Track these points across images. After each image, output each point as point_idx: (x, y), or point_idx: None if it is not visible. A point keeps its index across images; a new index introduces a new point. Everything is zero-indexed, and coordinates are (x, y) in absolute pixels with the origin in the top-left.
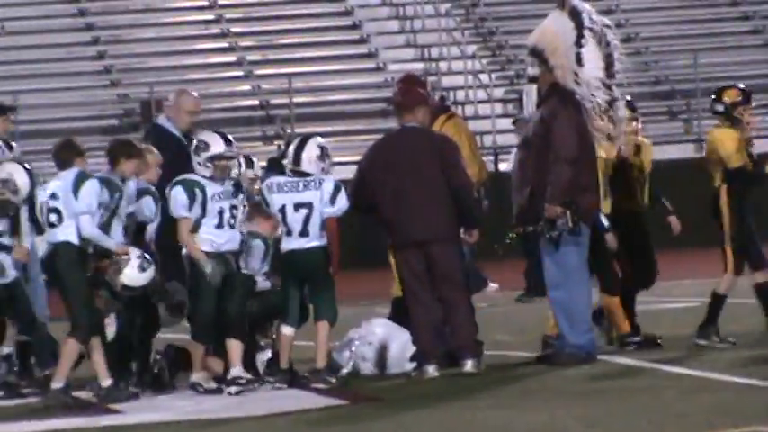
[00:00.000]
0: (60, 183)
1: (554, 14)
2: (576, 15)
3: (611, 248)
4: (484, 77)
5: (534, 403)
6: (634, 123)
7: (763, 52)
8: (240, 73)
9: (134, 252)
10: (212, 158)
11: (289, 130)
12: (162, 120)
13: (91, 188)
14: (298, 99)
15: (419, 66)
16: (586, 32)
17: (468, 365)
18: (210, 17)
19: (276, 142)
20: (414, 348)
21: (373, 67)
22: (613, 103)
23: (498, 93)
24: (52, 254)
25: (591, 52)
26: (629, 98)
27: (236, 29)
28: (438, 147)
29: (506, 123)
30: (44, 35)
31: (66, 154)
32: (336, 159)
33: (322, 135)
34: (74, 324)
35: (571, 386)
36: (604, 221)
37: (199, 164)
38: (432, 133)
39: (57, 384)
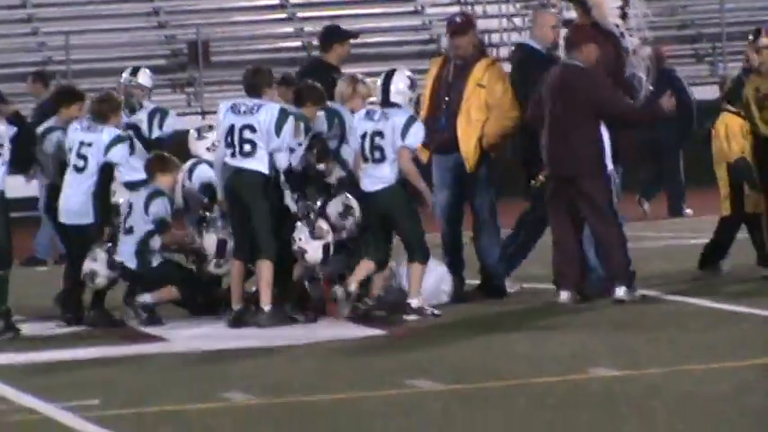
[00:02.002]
0: (261, 116)
1: None
2: None
3: None
4: (517, 21)
5: (565, 333)
6: None
7: None
8: (284, 15)
9: None
10: None
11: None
12: (528, 40)
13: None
14: None
15: (455, 9)
16: None
17: (620, 293)
18: None
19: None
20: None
21: (412, 11)
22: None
23: None
24: (240, 182)
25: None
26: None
27: None
28: (592, 91)
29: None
30: None
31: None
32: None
33: (364, 75)
34: (264, 247)
35: (600, 317)
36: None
37: None
38: (590, 75)
39: (266, 307)
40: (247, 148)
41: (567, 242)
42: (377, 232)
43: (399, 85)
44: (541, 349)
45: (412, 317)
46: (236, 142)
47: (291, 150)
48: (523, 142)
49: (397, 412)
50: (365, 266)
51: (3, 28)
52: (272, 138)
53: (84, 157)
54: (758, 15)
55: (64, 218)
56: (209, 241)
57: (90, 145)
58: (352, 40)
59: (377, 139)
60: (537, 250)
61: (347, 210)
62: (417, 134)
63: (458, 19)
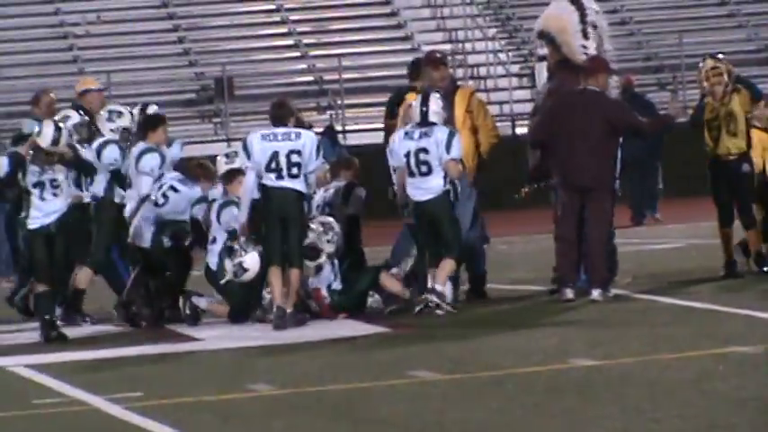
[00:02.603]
0: (302, 141)
1: (555, 2)
2: (575, 0)
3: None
4: (502, 56)
5: (548, 329)
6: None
7: (737, 32)
8: (297, 54)
9: None
10: None
11: (338, 101)
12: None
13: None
14: (346, 75)
15: (447, 47)
16: (588, 11)
17: (596, 294)
18: (272, 7)
19: (328, 112)
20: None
21: (409, 48)
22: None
23: (515, 68)
24: (286, 200)
25: (591, 32)
26: None
27: (293, 17)
28: (609, 110)
29: (521, 94)
30: (132, 23)
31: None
32: (377, 126)
33: (365, 106)
34: (298, 258)
35: (578, 314)
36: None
37: None
38: (606, 98)
39: (289, 309)
40: (294, 170)
41: (573, 246)
42: (429, 236)
43: (434, 106)
44: (527, 343)
45: (432, 297)
46: (284, 165)
47: None
48: (533, 159)
49: (401, 399)
50: (448, 265)
51: (53, 68)
52: (311, 161)
53: (167, 198)
54: (713, 48)
55: (135, 238)
56: (254, 259)
57: (177, 191)
58: (384, 73)
59: (422, 155)
60: (522, 255)
61: (326, 226)
62: (459, 146)
63: (438, 54)
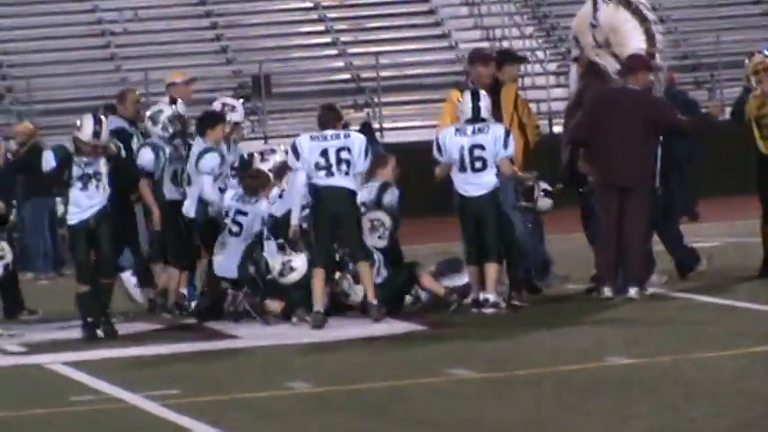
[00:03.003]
0: (352, 140)
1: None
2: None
3: None
4: (539, 54)
5: (584, 327)
6: None
7: None
8: (335, 52)
9: None
10: None
11: (376, 99)
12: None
13: None
14: (383, 73)
15: (485, 44)
16: (600, 11)
17: (632, 292)
18: (310, 5)
19: (365, 109)
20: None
21: (446, 46)
22: (656, 72)
23: (551, 67)
24: (337, 197)
25: (634, 28)
26: None
27: (331, 15)
28: (650, 108)
29: (558, 92)
30: (170, 21)
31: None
32: (415, 123)
33: (402, 104)
34: (363, 253)
35: (615, 313)
36: None
37: None
38: (647, 96)
39: (374, 301)
40: (344, 168)
41: (614, 244)
42: (473, 233)
43: (485, 102)
44: (564, 341)
45: (489, 310)
46: (334, 162)
47: None
48: (573, 157)
49: (439, 397)
50: (493, 270)
51: (89, 65)
52: (360, 161)
53: (240, 224)
54: (750, 47)
55: (221, 272)
56: (303, 260)
57: (245, 214)
58: (422, 71)
59: (476, 151)
60: (559, 254)
61: (376, 223)
62: (513, 144)
63: (486, 51)
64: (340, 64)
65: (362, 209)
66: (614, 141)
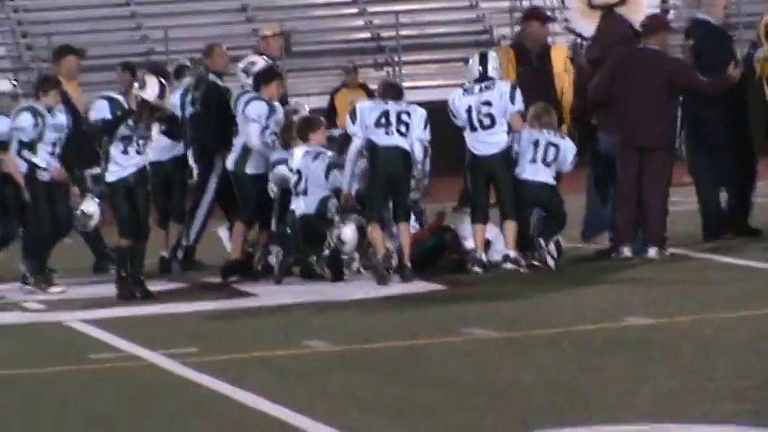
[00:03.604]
0: (413, 109)
1: None
2: None
3: None
4: (558, 14)
5: (603, 287)
6: None
7: None
8: (355, 10)
9: None
10: None
11: (396, 58)
12: (705, 16)
13: None
14: (404, 32)
15: (506, 4)
16: None
17: (652, 252)
18: None
19: (385, 68)
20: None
21: (467, 5)
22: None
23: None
24: (396, 156)
25: None
26: None
27: None
28: (671, 69)
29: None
30: None
31: None
32: (435, 83)
33: (423, 63)
34: (406, 213)
35: (634, 273)
36: None
37: None
38: (666, 56)
39: (408, 263)
40: (403, 129)
41: (632, 205)
42: (484, 192)
43: (493, 63)
44: (582, 301)
45: (509, 265)
46: (394, 122)
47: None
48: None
49: (457, 356)
50: (512, 226)
51: (109, 23)
52: (419, 128)
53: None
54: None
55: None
56: (351, 231)
57: None
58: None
59: (484, 108)
60: (578, 213)
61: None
62: (521, 99)
63: (540, 9)
64: (360, 23)
65: None
66: (635, 101)
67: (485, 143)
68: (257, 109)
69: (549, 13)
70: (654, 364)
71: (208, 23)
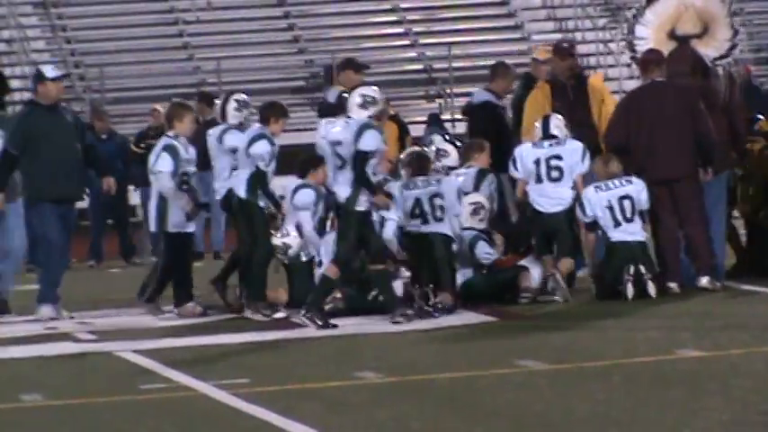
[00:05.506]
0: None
1: None
2: None
3: None
4: (613, 46)
5: (653, 319)
6: None
7: None
8: (407, 42)
9: None
10: None
11: (448, 90)
12: None
13: None
14: (456, 64)
15: (558, 36)
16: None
17: (704, 281)
18: None
19: (437, 100)
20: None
21: (519, 37)
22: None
23: (624, 58)
24: None
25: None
26: None
27: (404, 5)
28: (685, 97)
29: (632, 84)
30: (243, 10)
31: None
32: None
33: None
34: None
35: (685, 306)
36: None
37: None
38: (679, 85)
39: None
40: (438, 213)
41: (675, 239)
42: (545, 244)
43: (556, 122)
44: (633, 333)
45: (557, 297)
46: (428, 210)
47: None
48: None
49: (508, 388)
50: (568, 263)
51: (161, 54)
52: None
53: None
54: None
55: None
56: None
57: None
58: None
59: (553, 162)
60: None
61: (476, 205)
62: (590, 161)
63: (565, 44)
64: (412, 54)
65: (461, 195)
66: (651, 136)
67: (550, 198)
68: (306, 198)
69: (567, 47)
70: (705, 397)
71: (259, 54)
